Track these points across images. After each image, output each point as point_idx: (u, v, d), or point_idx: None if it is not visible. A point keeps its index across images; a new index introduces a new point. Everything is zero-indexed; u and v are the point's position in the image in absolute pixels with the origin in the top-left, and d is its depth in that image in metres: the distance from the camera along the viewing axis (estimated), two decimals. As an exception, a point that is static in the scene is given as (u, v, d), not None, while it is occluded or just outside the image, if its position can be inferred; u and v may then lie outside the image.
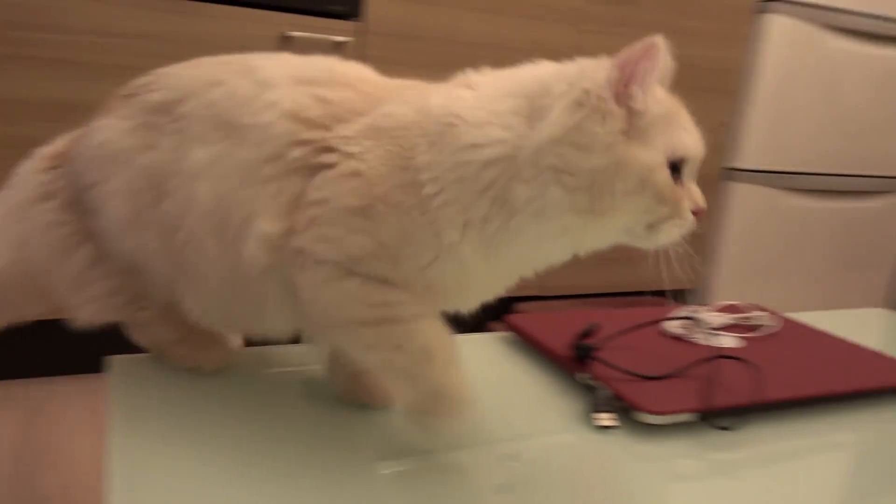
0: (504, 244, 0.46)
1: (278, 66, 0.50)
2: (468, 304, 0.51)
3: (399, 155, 0.45)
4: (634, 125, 0.43)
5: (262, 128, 0.47)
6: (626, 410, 0.57)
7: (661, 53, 0.43)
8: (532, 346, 0.71)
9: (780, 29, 2.00)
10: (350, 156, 0.46)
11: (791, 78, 2.08)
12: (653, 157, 0.44)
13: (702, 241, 2.09)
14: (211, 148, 0.48)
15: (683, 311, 0.77)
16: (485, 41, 1.49)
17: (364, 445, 0.51)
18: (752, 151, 2.08)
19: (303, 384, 0.59)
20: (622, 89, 0.43)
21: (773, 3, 2.00)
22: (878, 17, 2.18)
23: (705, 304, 0.83)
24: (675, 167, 0.45)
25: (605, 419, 0.56)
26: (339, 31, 1.30)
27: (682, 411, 0.57)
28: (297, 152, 0.47)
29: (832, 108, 2.18)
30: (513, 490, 0.47)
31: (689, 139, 0.46)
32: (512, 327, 0.74)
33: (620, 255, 0.51)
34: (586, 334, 0.70)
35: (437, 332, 0.48)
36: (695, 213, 0.46)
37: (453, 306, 0.51)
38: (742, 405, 0.58)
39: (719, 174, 2.08)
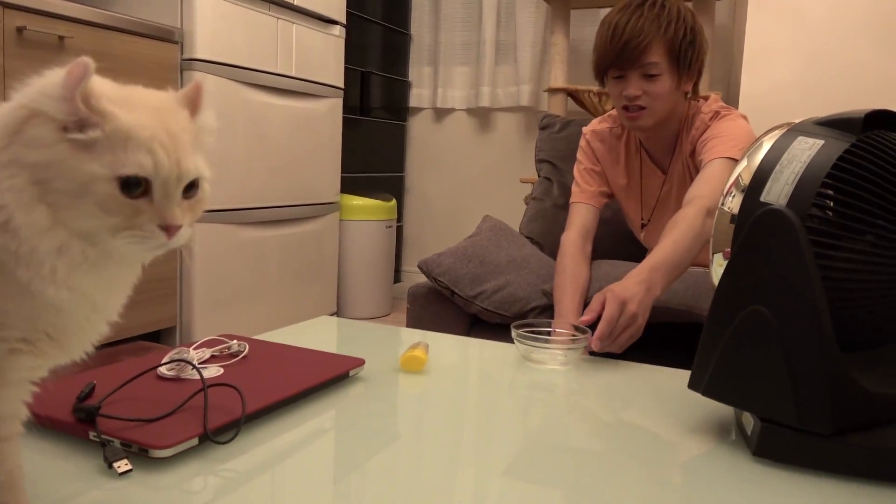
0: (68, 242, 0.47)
1: None
2: (90, 339, 0.52)
3: None
4: (85, 137, 0.47)
5: None
6: (144, 452, 0.66)
7: (90, 70, 0.47)
8: (34, 421, 0.72)
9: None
10: None
11: (223, 127, 2.34)
12: (95, 168, 0.47)
13: (173, 281, 2.19)
14: None
15: (172, 354, 0.88)
16: None
17: None
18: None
19: None
20: (66, 100, 0.46)
21: (193, 62, 2.23)
22: (283, 76, 2.60)
23: (190, 343, 0.95)
24: (132, 183, 0.48)
25: (122, 466, 0.64)
26: None
27: (185, 440, 0.68)
28: None
29: (260, 150, 2.52)
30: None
31: (146, 160, 0.48)
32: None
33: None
34: (85, 396, 0.75)
35: (18, 455, 0.49)
36: (164, 228, 0.50)
37: (78, 350, 0.52)
38: (233, 420, 0.72)
39: (179, 217, 2.21)
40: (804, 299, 0.71)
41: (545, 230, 2.08)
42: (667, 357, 1.21)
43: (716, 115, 1.48)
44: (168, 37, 2.11)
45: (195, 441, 0.69)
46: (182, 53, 2.16)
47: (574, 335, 1.10)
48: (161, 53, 2.09)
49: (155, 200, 0.49)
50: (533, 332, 1.08)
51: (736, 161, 1.35)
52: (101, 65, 0.49)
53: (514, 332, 1.07)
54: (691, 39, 1.42)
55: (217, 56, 2.24)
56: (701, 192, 1.34)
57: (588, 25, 3.34)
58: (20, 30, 1.70)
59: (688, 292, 1.42)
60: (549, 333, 1.12)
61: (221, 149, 2.28)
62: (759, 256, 0.74)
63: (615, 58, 1.40)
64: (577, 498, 0.65)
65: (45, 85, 0.47)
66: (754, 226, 0.75)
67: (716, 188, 1.32)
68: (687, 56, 1.42)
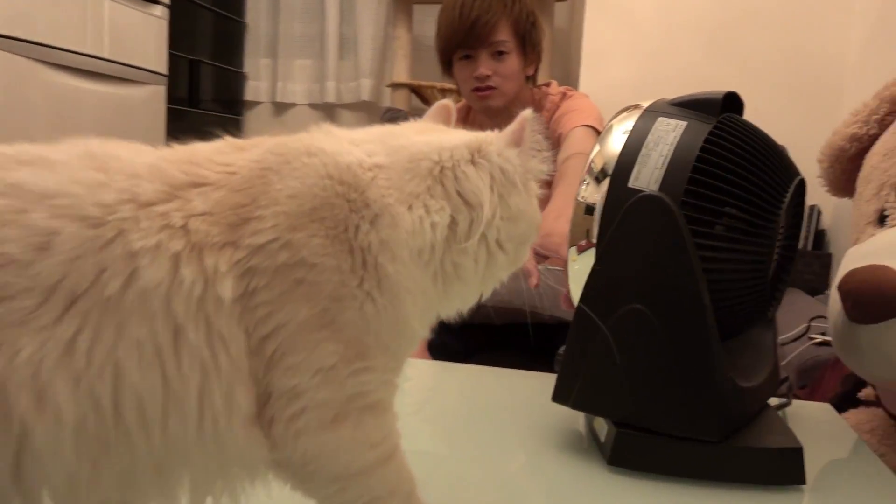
0: (441, 304, 0.49)
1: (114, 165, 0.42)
2: None
3: (338, 238, 0.41)
4: (547, 178, 0.51)
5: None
6: None
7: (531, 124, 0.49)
8: None
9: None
10: (285, 267, 0.40)
11: (20, 112, 2.03)
12: (535, 204, 0.51)
13: None
14: None
15: None
16: None
17: None
18: None
19: None
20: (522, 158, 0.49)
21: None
22: (93, 57, 2.30)
23: None
24: None
25: None
26: None
27: None
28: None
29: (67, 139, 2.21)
30: None
31: None
32: None
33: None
34: None
35: (406, 463, 0.48)
36: None
37: None
38: None
39: None
40: (688, 295, 0.65)
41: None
42: (510, 359, 1.18)
43: (563, 95, 1.53)
44: (-55, 3, 1.79)
45: None
46: (-36, 24, 1.84)
47: None
48: (-65, 22, 1.76)
49: None
50: None
51: (594, 129, 1.37)
52: None
53: None
54: (533, 21, 1.47)
55: (8, 29, 1.93)
56: (573, 149, 1.34)
57: (429, 21, 3.28)
58: None
59: (530, 291, 1.37)
60: None
61: (18, 136, 1.97)
62: (636, 249, 0.67)
63: (464, 37, 1.41)
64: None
65: (501, 150, 0.48)
66: (628, 215, 0.67)
67: (585, 146, 1.32)
68: (531, 36, 1.46)
